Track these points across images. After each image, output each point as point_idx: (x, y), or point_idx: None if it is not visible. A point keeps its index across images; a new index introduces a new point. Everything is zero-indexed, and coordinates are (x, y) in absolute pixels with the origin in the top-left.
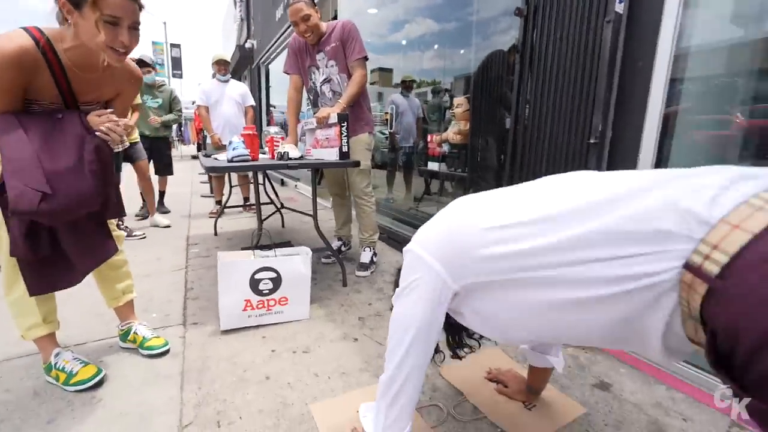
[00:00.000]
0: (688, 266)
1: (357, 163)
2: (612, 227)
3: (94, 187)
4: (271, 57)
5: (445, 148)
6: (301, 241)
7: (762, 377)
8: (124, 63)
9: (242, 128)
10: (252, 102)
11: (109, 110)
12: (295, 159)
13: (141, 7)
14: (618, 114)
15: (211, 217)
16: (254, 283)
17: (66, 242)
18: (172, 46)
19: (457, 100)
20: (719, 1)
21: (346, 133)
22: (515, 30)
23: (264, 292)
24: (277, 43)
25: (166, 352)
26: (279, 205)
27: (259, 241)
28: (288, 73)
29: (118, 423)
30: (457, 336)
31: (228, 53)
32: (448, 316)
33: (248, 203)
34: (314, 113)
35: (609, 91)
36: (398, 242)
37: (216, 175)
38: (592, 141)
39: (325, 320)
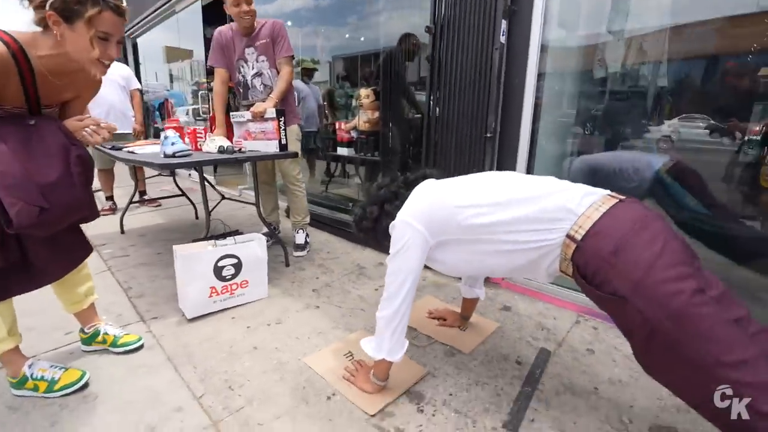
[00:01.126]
0: (568, 235)
1: (296, 154)
2: (533, 214)
3: (83, 196)
4: (142, 30)
5: (354, 134)
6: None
7: (599, 282)
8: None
9: (130, 115)
10: (138, 85)
11: (87, 116)
12: (239, 152)
13: (126, 21)
14: (504, 116)
15: (105, 214)
16: (218, 271)
17: (36, 246)
18: None
19: (363, 92)
20: (565, 41)
21: (284, 128)
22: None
23: (227, 277)
24: (151, 18)
25: (142, 346)
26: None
27: (209, 232)
28: (214, 67)
29: (130, 409)
30: None
31: None
32: None
33: (146, 197)
34: (242, 106)
35: (497, 99)
36: (318, 222)
37: (105, 169)
38: (488, 135)
39: (283, 296)
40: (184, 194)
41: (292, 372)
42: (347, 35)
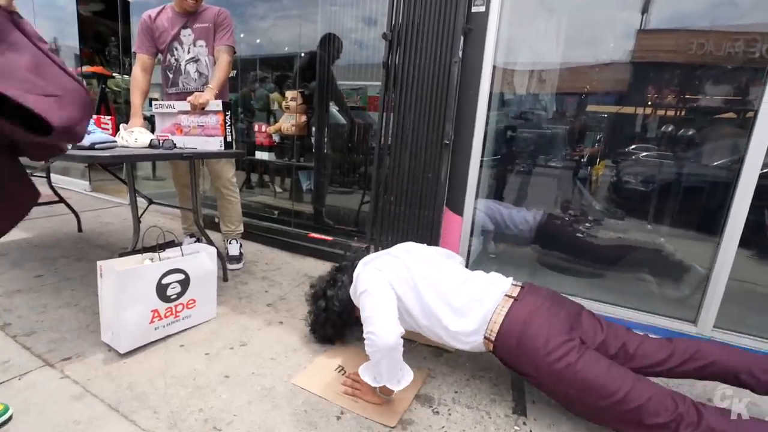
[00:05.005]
0: (485, 337)
1: (243, 153)
2: (461, 331)
3: (78, 80)
4: None
5: (276, 138)
6: (127, 241)
7: (516, 365)
8: None
9: None
10: None
11: None
12: (179, 148)
13: None
14: (458, 124)
15: None
16: (161, 289)
17: None
18: None
19: (290, 94)
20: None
21: (230, 123)
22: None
23: (172, 297)
24: None
25: (10, 418)
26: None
27: (138, 244)
28: (137, 53)
29: None
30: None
31: None
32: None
33: None
34: (169, 94)
35: (454, 109)
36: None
37: None
38: (446, 142)
39: (235, 314)
40: (63, 201)
41: (283, 397)
42: (257, 39)
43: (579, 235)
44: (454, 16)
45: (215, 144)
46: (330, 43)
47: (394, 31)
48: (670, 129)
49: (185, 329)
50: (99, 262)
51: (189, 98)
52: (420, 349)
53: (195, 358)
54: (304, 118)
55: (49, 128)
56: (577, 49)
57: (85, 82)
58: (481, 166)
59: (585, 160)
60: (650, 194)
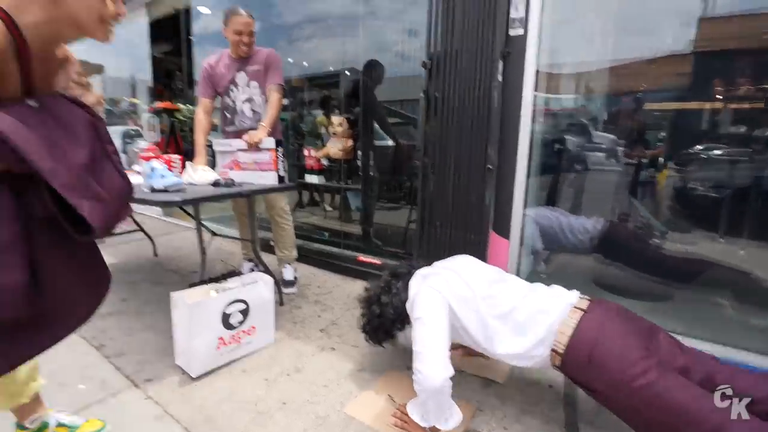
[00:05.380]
0: (552, 350)
1: (294, 186)
2: (529, 345)
3: (128, 179)
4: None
5: (324, 162)
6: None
7: (585, 381)
8: (68, 51)
9: None
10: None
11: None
12: (237, 185)
13: None
14: (501, 147)
15: None
16: (225, 318)
17: (54, 279)
18: None
19: (336, 120)
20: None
21: (282, 158)
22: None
23: (234, 325)
24: None
25: None
26: (144, 233)
27: (204, 275)
28: (200, 97)
29: None
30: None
31: None
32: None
33: None
34: (228, 132)
35: (497, 134)
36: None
37: None
38: (489, 167)
39: (290, 339)
40: (141, 229)
41: (336, 425)
42: (305, 61)
43: (646, 244)
44: (492, 40)
45: (269, 178)
46: (372, 69)
47: (432, 59)
48: (744, 125)
49: (247, 354)
50: (172, 294)
51: (244, 137)
52: (468, 379)
53: (256, 383)
54: (350, 142)
55: (89, 228)
56: (629, 44)
57: (158, 120)
58: (527, 189)
59: (646, 163)
60: (723, 201)
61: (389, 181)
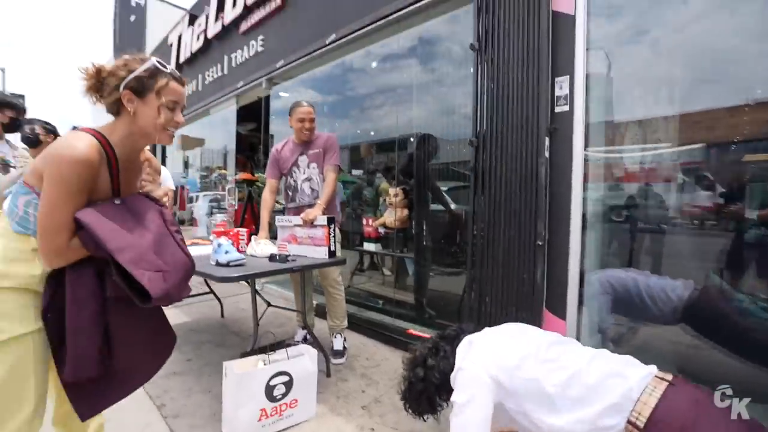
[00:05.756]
0: (629, 422)
1: (344, 261)
2: (596, 412)
3: (189, 254)
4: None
5: (381, 230)
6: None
7: None
8: (149, 154)
9: None
10: (171, 186)
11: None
12: (291, 260)
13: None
14: (552, 223)
15: None
16: (269, 390)
17: (124, 345)
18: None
19: (392, 191)
20: (607, 147)
21: (333, 235)
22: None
23: (277, 397)
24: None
25: None
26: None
27: (256, 344)
28: (267, 178)
29: None
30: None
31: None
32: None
33: None
34: (288, 209)
35: (545, 209)
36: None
37: None
38: (539, 243)
39: (332, 415)
40: (212, 292)
41: None
42: (358, 130)
43: (753, 317)
44: (537, 118)
45: (321, 253)
46: (426, 142)
47: (479, 137)
48: None
49: (287, 428)
50: (224, 363)
51: (302, 215)
52: None
53: None
54: (406, 211)
55: (149, 296)
56: (708, 91)
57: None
58: (582, 265)
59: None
60: None
61: (445, 248)
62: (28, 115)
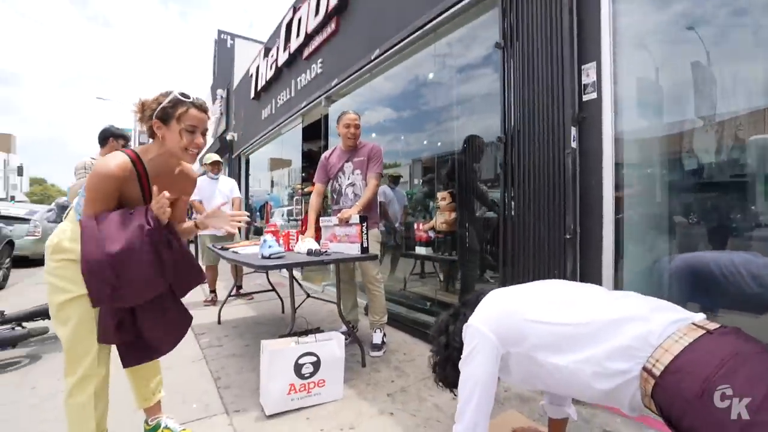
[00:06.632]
0: (645, 369)
1: (376, 257)
2: (604, 352)
3: (149, 272)
4: (255, 148)
5: (431, 234)
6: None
7: (688, 426)
8: (185, 168)
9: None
10: (239, 195)
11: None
12: (325, 254)
13: (209, 118)
14: (583, 217)
15: (206, 305)
16: (298, 368)
17: (147, 326)
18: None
19: (441, 194)
20: (638, 134)
21: (366, 232)
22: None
23: (306, 375)
24: (262, 138)
25: None
26: (305, 296)
27: (293, 329)
28: (315, 182)
29: None
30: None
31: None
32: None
33: (241, 290)
34: (332, 210)
35: (574, 200)
36: (395, 321)
37: (211, 266)
38: (567, 236)
39: (358, 399)
40: (273, 289)
41: None
42: (425, 141)
43: None
44: (562, 109)
45: (355, 249)
46: (472, 145)
47: (507, 134)
48: None
49: (315, 405)
50: (262, 342)
51: (338, 214)
52: None
53: (312, 431)
54: (453, 215)
55: None
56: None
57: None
58: (616, 257)
59: None
60: None
61: (488, 250)
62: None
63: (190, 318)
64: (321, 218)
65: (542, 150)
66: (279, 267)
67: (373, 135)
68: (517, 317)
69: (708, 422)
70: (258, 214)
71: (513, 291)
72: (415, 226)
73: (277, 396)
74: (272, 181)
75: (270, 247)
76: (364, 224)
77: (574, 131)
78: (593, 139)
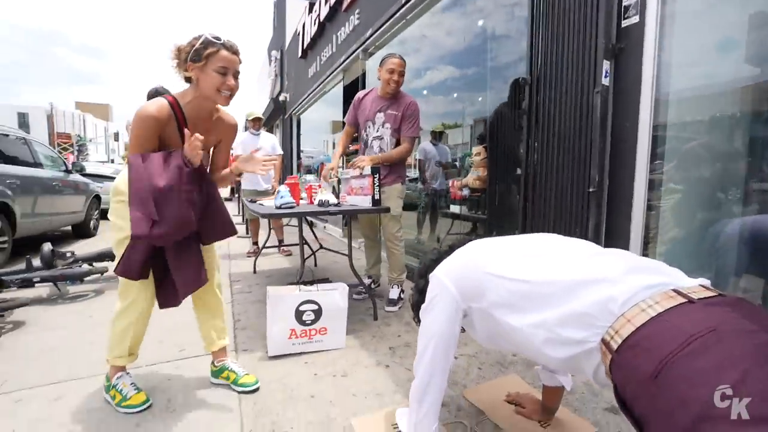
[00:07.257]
0: (603, 341)
1: (387, 209)
2: (557, 317)
3: (186, 212)
4: (304, 108)
5: (465, 192)
6: (335, 279)
7: (638, 415)
8: (224, 114)
9: (272, 175)
10: (281, 151)
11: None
12: (334, 206)
13: (240, 61)
14: (613, 167)
15: (248, 257)
16: (299, 314)
17: (173, 266)
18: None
19: (475, 149)
20: (686, 70)
21: (377, 184)
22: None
23: (307, 322)
24: (309, 97)
25: (258, 388)
26: (318, 246)
27: (302, 277)
28: (346, 122)
29: (190, 427)
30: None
31: (260, 108)
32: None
33: (283, 244)
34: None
35: (603, 148)
36: None
37: (253, 218)
38: (591, 190)
39: (360, 349)
40: (305, 243)
41: (336, 430)
42: (480, 98)
43: None
44: (595, 38)
45: (367, 201)
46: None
47: (533, 75)
48: None
49: (316, 351)
50: (268, 287)
51: (354, 160)
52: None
53: (306, 375)
54: (486, 171)
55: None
56: None
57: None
58: (646, 214)
59: None
60: None
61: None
62: None
63: (205, 278)
64: (341, 170)
65: (570, 90)
66: (287, 215)
67: (425, 94)
68: (479, 270)
69: (657, 409)
70: (316, 173)
71: (490, 242)
72: (450, 183)
73: (279, 339)
74: (333, 144)
75: (282, 197)
76: (376, 176)
77: (606, 66)
78: (630, 75)
